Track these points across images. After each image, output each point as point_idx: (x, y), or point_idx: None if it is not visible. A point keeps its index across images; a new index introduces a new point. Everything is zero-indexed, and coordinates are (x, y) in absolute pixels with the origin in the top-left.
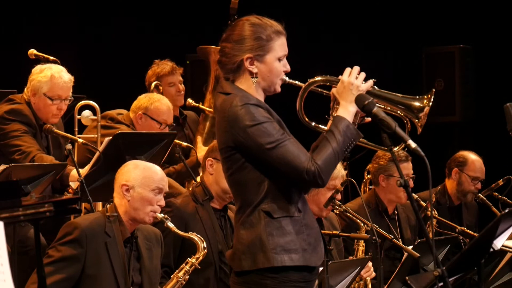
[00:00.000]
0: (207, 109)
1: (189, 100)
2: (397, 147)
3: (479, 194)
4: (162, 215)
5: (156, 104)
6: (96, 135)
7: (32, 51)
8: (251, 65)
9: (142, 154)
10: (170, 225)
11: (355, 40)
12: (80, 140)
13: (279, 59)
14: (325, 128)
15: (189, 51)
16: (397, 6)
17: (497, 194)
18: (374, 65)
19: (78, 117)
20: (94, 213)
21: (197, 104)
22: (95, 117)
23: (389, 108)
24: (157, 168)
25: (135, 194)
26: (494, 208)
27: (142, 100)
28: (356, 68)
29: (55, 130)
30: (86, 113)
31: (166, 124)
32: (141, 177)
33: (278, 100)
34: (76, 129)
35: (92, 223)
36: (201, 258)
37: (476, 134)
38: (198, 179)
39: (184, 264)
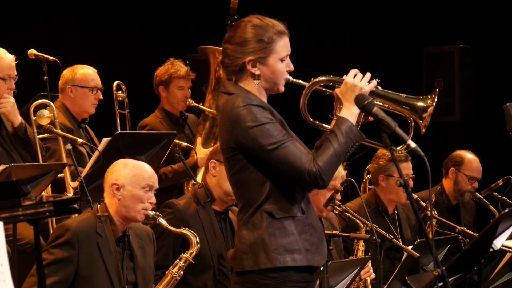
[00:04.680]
0: (207, 109)
1: (189, 100)
2: (399, 146)
3: (476, 193)
4: (154, 212)
5: (81, 72)
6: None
7: (32, 51)
8: (254, 67)
9: (142, 154)
10: (162, 221)
11: (354, 40)
12: (80, 140)
13: (282, 60)
14: (329, 127)
15: (189, 51)
16: (396, 6)
17: (497, 194)
18: (374, 65)
19: (34, 118)
20: (85, 214)
21: (197, 105)
22: (50, 115)
23: (392, 108)
24: (146, 166)
25: (125, 193)
26: (491, 207)
27: (65, 74)
28: (364, 75)
29: (55, 130)
30: (42, 112)
31: (97, 89)
32: (130, 175)
33: (281, 98)
34: (35, 130)
35: (83, 224)
36: (194, 253)
37: (476, 134)
38: (198, 179)
39: (178, 260)
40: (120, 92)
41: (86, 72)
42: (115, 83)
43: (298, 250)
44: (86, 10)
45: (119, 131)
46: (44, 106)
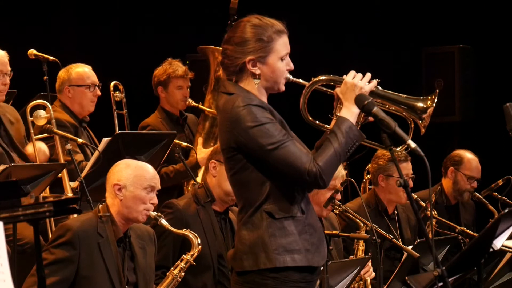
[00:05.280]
0: (207, 109)
1: (189, 100)
2: (399, 147)
3: (475, 193)
4: (155, 213)
5: (76, 71)
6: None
7: (32, 51)
8: (254, 67)
9: (142, 154)
10: (164, 222)
11: (354, 39)
12: (80, 140)
13: (282, 59)
14: (329, 127)
15: (189, 51)
16: (397, 6)
17: (496, 194)
18: (374, 65)
19: (31, 118)
20: (86, 214)
21: (196, 104)
22: (47, 115)
23: (393, 108)
24: (148, 167)
25: (127, 193)
26: (490, 206)
27: (61, 75)
28: (365, 75)
29: (55, 130)
30: (39, 113)
31: (95, 85)
32: (132, 176)
33: (281, 98)
34: (32, 131)
35: (84, 225)
36: (196, 254)
37: (476, 134)
38: (198, 179)
39: (179, 261)
40: (117, 92)
41: (82, 70)
42: (112, 83)
43: (298, 250)
44: (86, 10)
45: (120, 131)
46: (43, 106)
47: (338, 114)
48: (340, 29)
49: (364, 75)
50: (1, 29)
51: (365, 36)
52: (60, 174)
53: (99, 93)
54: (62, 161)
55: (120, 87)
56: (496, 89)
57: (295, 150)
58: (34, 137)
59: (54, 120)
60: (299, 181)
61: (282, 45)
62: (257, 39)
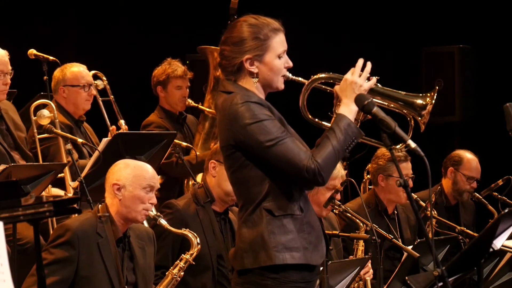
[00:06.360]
0: (207, 109)
1: (189, 100)
2: (398, 145)
3: (475, 193)
4: (155, 213)
5: (71, 70)
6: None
7: (32, 51)
8: (251, 65)
9: (142, 154)
10: (163, 222)
11: (354, 39)
12: (80, 140)
13: (279, 56)
14: (329, 125)
15: (189, 51)
16: (396, 6)
17: (496, 194)
18: (374, 64)
19: (34, 118)
20: (85, 214)
21: (196, 104)
22: (51, 115)
23: (392, 105)
24: (147, 166)
25: (126, 193)
26: (490, 206)
27: (56, 75)
28: (360, 61)
29: (55, 130)
30: (43, 112)
31: (89, 85)
32: (132, 175)
33: (281, 96)
34: (35, 130)
35: (83, 224)
36: (195, 254)
37: (476, 134)
38: (198, 179)
39: (178, 261)
40: (98, 81)
41: (76, 70)
42: (91, 72)
43: (297, 248)
44: (86, 10)
45: (119, 132)
46: (44, 106)
47: (337, 111)
48: (340, 29)
49: (363, 70)
50: (1, 29)
51: (365, 36)
52: (62, 174)
53: (94, 92)
54: (65, 161)
55: (99, 74)
56: (496, 89)
57: (293, 147)
58: (38, 136)
59: (57, 120)
60: (297, 178)
61: (279, 42)
62: (254, 38)
